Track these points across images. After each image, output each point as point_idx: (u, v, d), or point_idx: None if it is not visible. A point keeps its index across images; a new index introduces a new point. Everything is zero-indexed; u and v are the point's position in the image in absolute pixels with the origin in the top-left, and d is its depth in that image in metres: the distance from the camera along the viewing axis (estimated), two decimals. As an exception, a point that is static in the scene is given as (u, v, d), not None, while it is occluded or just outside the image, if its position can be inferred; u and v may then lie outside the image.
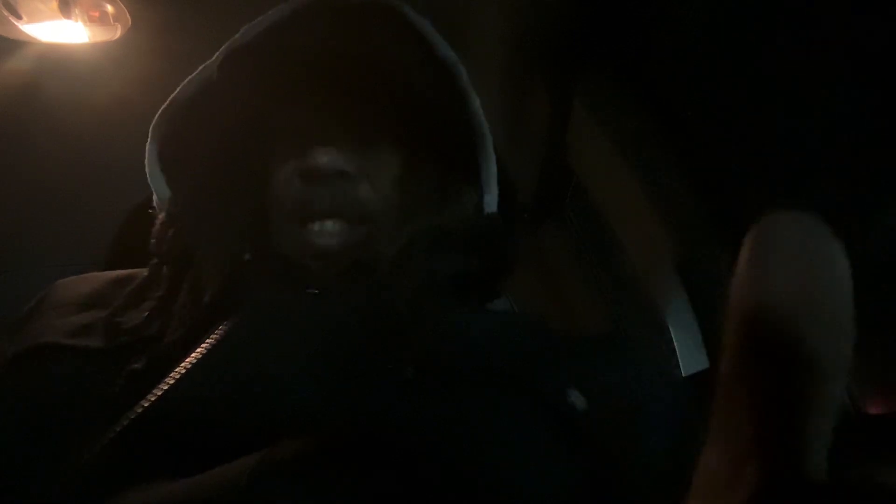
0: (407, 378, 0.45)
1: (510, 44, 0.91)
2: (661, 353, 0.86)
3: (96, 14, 0.87)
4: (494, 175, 0.60)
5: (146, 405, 0.42)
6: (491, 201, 0.60)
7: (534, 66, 0.94)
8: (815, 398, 0.16)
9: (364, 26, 0.57)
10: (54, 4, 0.85)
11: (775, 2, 0.66)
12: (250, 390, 0.44)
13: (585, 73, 0.89)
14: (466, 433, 0.43)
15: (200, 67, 0.59)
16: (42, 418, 0.44)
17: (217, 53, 0.58)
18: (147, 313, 0.50)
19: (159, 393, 0.42)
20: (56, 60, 0.93)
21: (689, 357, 0.86)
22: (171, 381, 0.43)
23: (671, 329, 0.89)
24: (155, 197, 0.58)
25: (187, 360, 0.44)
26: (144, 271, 0.54)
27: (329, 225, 0.54)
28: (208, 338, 0.46)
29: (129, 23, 0.87)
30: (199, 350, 0.45)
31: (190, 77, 0.59)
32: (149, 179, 0.58)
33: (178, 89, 0.59)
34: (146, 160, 0.58)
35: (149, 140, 0.58)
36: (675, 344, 0.89)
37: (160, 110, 0.59)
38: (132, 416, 0.41)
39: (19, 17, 0.85)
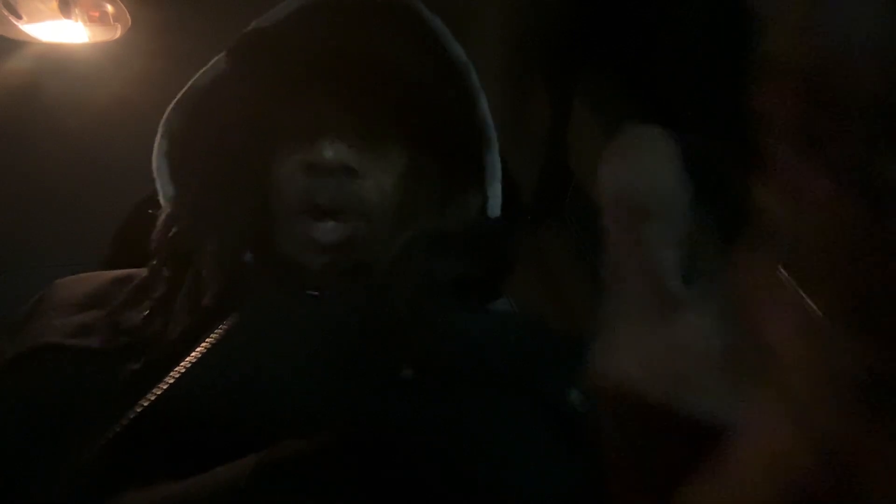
0: (406, 378, 0.45)
1: (510, 44, 0.91)
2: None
3: (96, 14, 0.87)
4: (499, 177, 0.60)
5: (146, 405, 0.42)
6: (494, 204, 0.60)
7: (534, 66, 0.94)
8: (658, 248, 0.21)
9: (377, 22, 0.57)
10: (54, 4, 0.85)
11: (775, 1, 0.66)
12: (250, 390, 0.44)
13: (585, 73, 0.89)
14: (466, 433, 0.43)
15: (213, 60, 0.59)
16: (42, 418, 0.44)
17: (228, 45, 0.58)
18: (146, 313, 0.50)
19: (159, 393, 0.42)
20: (56, 60, 0.93)
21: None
22: (171, 381, 0.43)
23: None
24: (161, 195, 0.58)
25: (187, 360, 0.44)
26: (144, 271, 0.54)
27: (331, 223, 0.54)
28: (208, 338, 0.46)
29: (129, 23, 0.88)
30: (198, 350, 0.45)
31: (201, 70, 0.59)
32: (154, 175, 0.58)
33: (189, 83, 0.59)
34: (154, 156, 0.58)
35: (158, 135, 0.58)
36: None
37: (171, 105, 0.59)
38: (132, 416, 0.41)
39: (19, 17, 0.85)
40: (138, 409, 0.41)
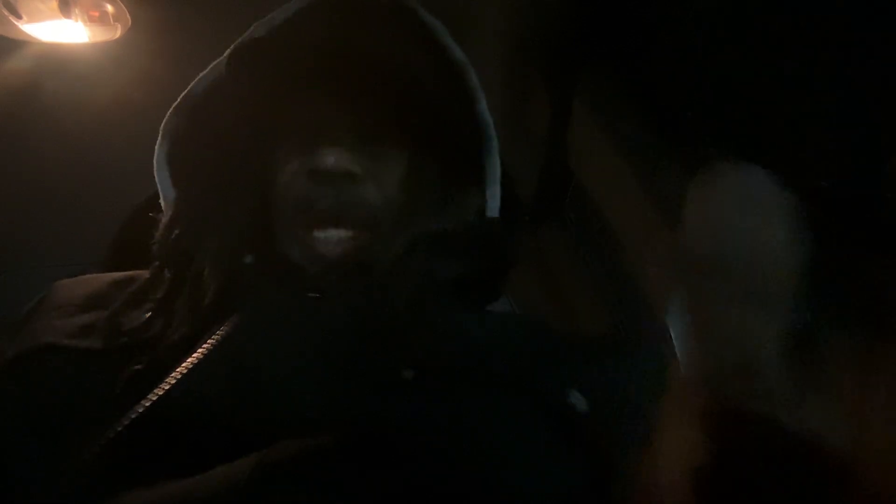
0: (406, 379, 0.45)
1: (510, 44, 0.91)
2: (662, 354, 0.86)
3: (96, 14, 0.87)
4: (498, 177, 0.60)
5: (146, 405, 0.42)
6: (493, 205, 0.60)
7: (534, 66, 0.94)
8: (760, 329, 0.16)
9: (375, 24, 0.57)
10: (54, 4, 0.85)
11: (775, 2, 0.66)
12: (250, 391, 0.44)
13: (585, 73, 0.89)
14: (466, 434, 0.43)
15: (212, 64, 0.59)
16: (42, 419, 0.44)
17: (229, 49, 0.58)
18: (148, 315, 0.50)
19: (160, 393, 0.42)
20: (56, 60, 0.93)
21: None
22: (172, 382, 0.43)
23: (671, 329, 0.89)
24: (162, 197, 0.58)
25: (187, 361, 0.44)
26: (145, 273, 0.54)
27: (333, 233, 0.53)
28: (209, 339, 0.46)
29: (129, 23, 0.87)
30: (199, 351, 0.45)
31: (201, 74, 0.59)
32: (156, 178, 0.58)
33: (189, 86, 0.59)
34: (155, 159, 0.58)
35: (159, 138, 0.58)
36: (675, 344, 0.89)
37: (171, 109, 0.59)
38: (132, 417, 0.41)
39: (19, 17, 0.85)
40: (139, 410, 0.41)
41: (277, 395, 0.44)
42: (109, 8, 0.87)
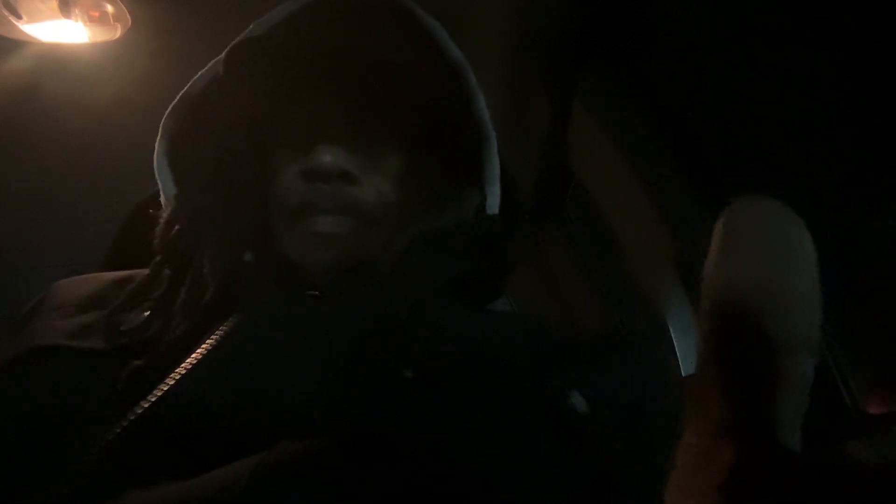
0: (406, 379, 0.45)
1: (510, 44, 0.91)
2: (662, 354, 0.86)
3: (96, 14, 0.87)
4: (497, 176, 0.60)
5: (146, 406, 0.42)
6: (493, 203, 0.60)
7: (534, 66, 0.94)
8: (783, 374, 0.16)
9: (372, 24, 0.57)
10: (54, 4, 0.85)
11: (775, 2, 0.66)
12: (250, 391, 0.44)
13: (585, 73, 0.89)
14: (466, 434, 0.43)
15: (211, 62, 0.59)
16: (42, 419, 0.44)
17: (226, 48, 0.58)
18: (147, 314, 0.50)
19: (159, 394, 0.42)
20: (56, 60, 0.93)
21: (690, 357, 0.86)
22: (171, 382, 0.43)
23: (671, 329, 0.89)
24: (162, 194, 0.58)
25: (187, 360, 0.44)
26: (144, 272, 0.54)
27: (329, 219, 0.54)
28: (208, 338, 0.46)
29: (129, 23, 0.87)
30: (199, 351, 0.45)
31: (200, 72, 0.59)
32: (156, 175, 0.58)
33: (188, 85, 0.59)
34: (155, 156, 0.58)
35: (158, 136, 0.58)
36: (675, 344, 0.89)
37: (171, 106, 0.59)
38: (132, 417, 0.41)
39: (19, 17, 0.85)
40: (139, 410, 0.41)
41: (277, 394, 0.44)
42: (109, 8, 0.87)
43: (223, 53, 0.56)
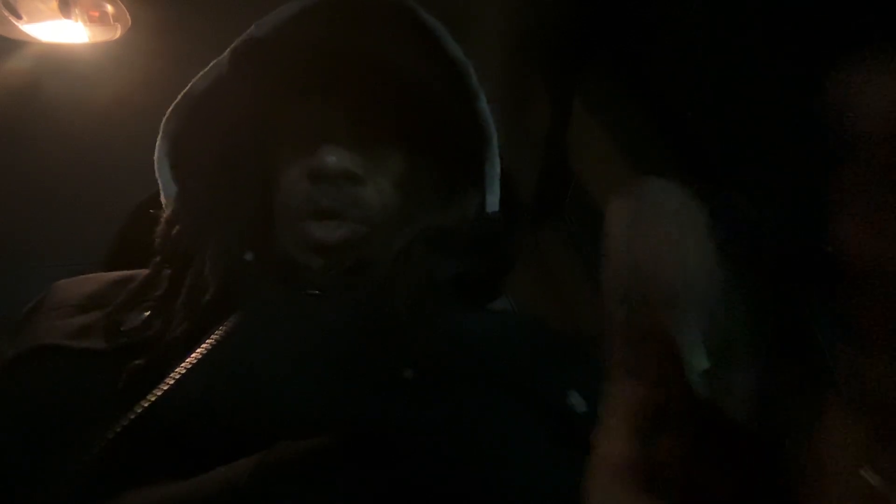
0: (406, 379, 0.45)
1: (510, 44, 0.91)
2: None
3: (96, 14, 0.87)
4: (498, 176, 0.60)
5: (146, 405, 0.42)
6: (493, 202, 0.60)
7: (534, 66, 0.93)
8: (683, 337, 0.18)
9: (375, 24, 0.57)
10: (54, 4, 0.85)
11: (775, 2, 0.66)
12: (250, 391, 0.44)
13: (585, 73, 0.89)
14: (466, 434, 0.43)
15: (213, 63, 0.59)
16: (43, 419, 0.44)
17: (229, 48, 0.58)
18: (147, 314, 0.50)
19: (159, 393, 0.42)
20: (56, 60, 0.93)
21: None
22: (171, 382, 0.43)
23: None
24: (162, 194, 0.58)
25: (187, 360, 0.44)
26: (144, 272, 0.54)
27: (333, 223, 0.54)
28: (208, 338, 0.46)
29: (129, 23, 0.87)
30: (199, 350, 0.45)
31: (202, 72, 0.59)
32: (157, 175, 0.58)
33: (189, 84, 0.59)
34: (155, 155, 0.58)
35: (159, 135, 0.58)
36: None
37: (172, 105, 0.59)
38: (132, 417, 0.41)
39: (19, 17, 0.85)
40: (138, 410, 0.41)
41: (277, 394, 0.44)
42: (109, 8, 0.87)
43: (227, 53, 0.56)
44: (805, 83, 0.65)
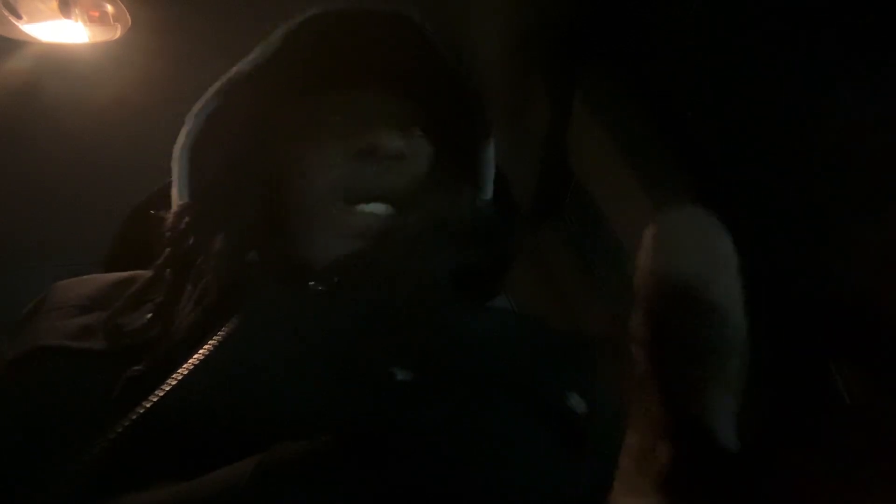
0: (406, 379, 0.45)
1: (510, 44, 0.91)
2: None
3: (96, 14, 0.87)
4: (493, 174, 0.62)
5: (147, 406, 0.42)
6: (488, 189, 0.62)
7: (534, 66, 0.93)
8: (709, 375, 0.17)
9: (393, 29, 0.60)
10: (54, 4, 0.85)
11: (775, 1, 0.66)
12: (251, 391, 0.44)
13: (585, 73, 0.89)
14: (466, 435, 0.43)
15: (257, 47, 0.60)
16: (44, 420, 0.44)
17: (275, 31, 0.59)
18: (150, 315, 0.50)
19: (160, 394, 0.42)
20: (56, 60, 0.93)
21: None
22: (172, 383, 0.43)
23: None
24: (175, 186, 0.58)
25: (189, 361, 0.44)
26: (145, 273, 0.54)
27: (374, 206, 0.55)
28: (210, 339, 0.46)
29: (129, 23, 0.87)
30: (200, 352, 0.45)
31: (244, 59, 0.60)
32: (173, 164, 0.58)
33: (230, 71, 0.59)
34: (179, 143, 0.58)
35: (185, 128, 0.58)
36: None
37: (208, 92, 0.59)
38: (133, 418, 0.41)
39: (19, 17, 0.85)
40: (140, 411, 0.41)
41: (279, 395, 0.44)
42: (109, 8, 0.87)
43: (278, 34, 0.58)
44: (805, 83, 0.65)
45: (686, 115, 0.81)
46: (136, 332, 0.49)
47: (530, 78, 0.95)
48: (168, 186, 0.59)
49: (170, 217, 0.55)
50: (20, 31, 0.87)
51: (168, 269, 0.53)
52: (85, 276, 0.58)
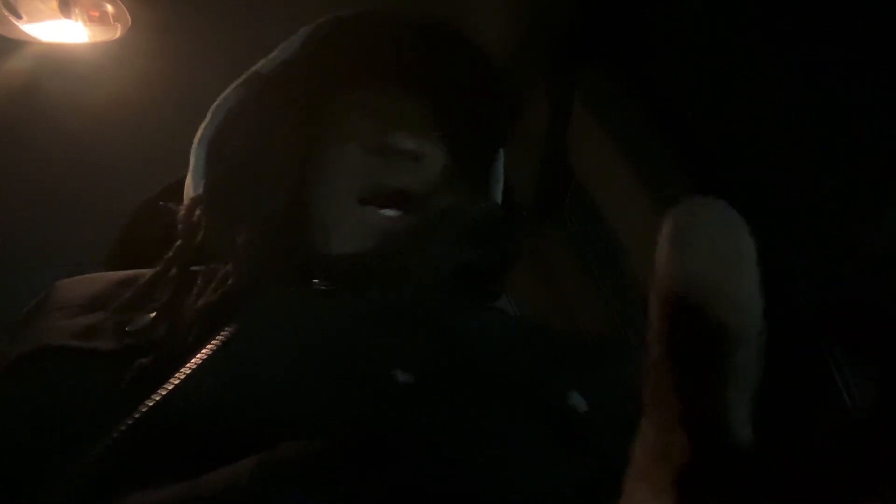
0: (408, 380, 0.45)
1: (510, 44, 0.91)
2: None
3: (96, 14, 0.87)
4: (502, 178, 0.62)
5: (149, 406, 0.42)
6: (495, 195, 0.62)
7: (534, 66, 0.94)
8: (728, 369, 0.17)
9: (430, 35, 0.62)
10: (54, 4, 0.85)
11: (775, 1, 0.66)
12: (252, 392, 0.44)
13: (585, 73, 0.89)
14: (467, 435, 0.43)
15: (278, 49, 0.60)
16: (47, 419, 0.44)
17: (303, 29, 0.60)
18: (153, 315, 0.50)
19: (163, 394, 0.42)
20: (56, 60, 0.93)
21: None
22: (175, 383, 0.43)
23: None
24: (190, 177, 0.58)
25: (192, 361, 0.44)
26: (148, 272, 0.54)
27: (387, 211, 0.55)
28: (213, 339, 0.46)
29: (129, 23, 0.87)
30: (203, 352, 0.45)
31: (269, 56, 0.60)
32: (192, 154, 0.58)
33: (254, 67, 0.60)
34: (197, 136, 0.58)
35: (206, 121, 0.59)
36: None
37: (233, 85, 0.59)
38: (135, 417, 0.41)
39: (19, 17, 0.85)
40: (142, 410, 0.41)
41: (280, 395, 0.44)
42: (109, 8, 0.87)
43: (304, 32, 0.58)
44: (805, 83, 0.65)
45: (686, 115, 0.81)
46: (141, 332, 0.49)
47: (530, 78, 0.95)
48: (173, 185, 0.59)
49: (182, 209, 0.55)
50: (20, 30, 0.87)
51: (174, 268, 0.53)
52: (87, 276, 0.58)
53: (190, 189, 0.58)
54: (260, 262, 0.52)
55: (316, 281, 0.52)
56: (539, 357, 0.51)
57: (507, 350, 0.51)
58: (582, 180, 0.98)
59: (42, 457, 0.42)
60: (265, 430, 0.41)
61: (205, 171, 0.57)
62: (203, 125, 0.59)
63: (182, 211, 0.55)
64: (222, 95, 0.59)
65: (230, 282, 0.50)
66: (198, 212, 0.54)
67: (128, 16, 0.87)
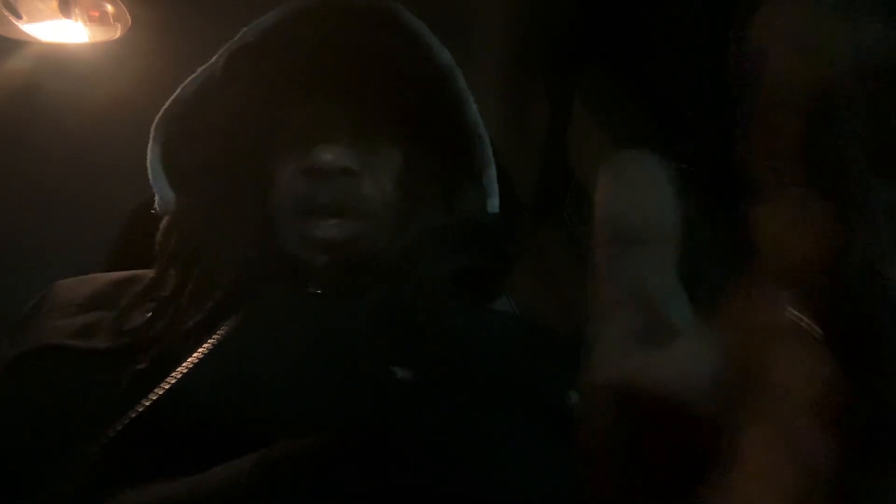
0: (407, 379, 0.45)
1: (510, 44, 0.91)
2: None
3: (96, 14, 0.87)
4: (494, 176, 0.61)
5: (147, 405, 0.42)
6: (493, 203, 0.60)
7: (534, 66, 0.93)
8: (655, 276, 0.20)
9: (363, 27, 0.58)
10: (54, 4, 0.85)
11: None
12: (250, 390, 0.44)
13: (585, 73, 0.89)
14: (466, 434, 0.43)
15: (201, 68, 0.59)
16: (46, 419, 0.44)
17: (218, 54, 0.58)
18: (150, 314, 0.50)
19: (160, 392, 0.42)
20: (56, 60, 0.93)
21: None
22: (172, 382, 0.43)
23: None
24: (157, 199, 0.58)
25: (188, 360, 0.44)
26: (146, 272, 0.54)
27: (333, 222, 0.54)
28: (210, 338, 0.46)
29: (129, 23, 0.87)
30: (200, 350, 0.45)
31: (191, 77, 0.59)
32: (151, 181, 0.58)
33: (178, 89, 0.59)
34: (148, 161, 0.58)
35: (150, 141, 0.58)
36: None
37: (161, 110, 0.59)
38: (133, 416, 0.41)
39: (19, 17, 0.85)
40: (139, 409, 0.42)
41: (277, 393, 0.44)
42: (109, 8, 0.87)
43: (220, 59, 0.57)
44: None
45: (686, 115, 0.81)
46: (138, 331, 0.49)
47: (530, 78, 0.95)
48: None
49: (159, 232, 0.55)
50: (20, 30, 0.87)
51: (170, 268, 0.53)
52: (86, 276, 0.58)
53: (160, 208, 0.58)
54: (238, 265, 0.52)
55: (310, 286, 0.53)
56: (539, 357, 0.51)
57: (507, 350, 0.51)
58: (582, 180, 0.98)
59: (41, 455, 0.42)
60: (264, 428, 0.41)
61: (173, 193, 0.58)
62: (149, 148, 0.59)
63: (160, 232, 0.55)
64: (156, 120, 0.59)
65: (227, 282, 0.50)
66: (175, 234, 0.55)
67: (128, 16, 0.87)
